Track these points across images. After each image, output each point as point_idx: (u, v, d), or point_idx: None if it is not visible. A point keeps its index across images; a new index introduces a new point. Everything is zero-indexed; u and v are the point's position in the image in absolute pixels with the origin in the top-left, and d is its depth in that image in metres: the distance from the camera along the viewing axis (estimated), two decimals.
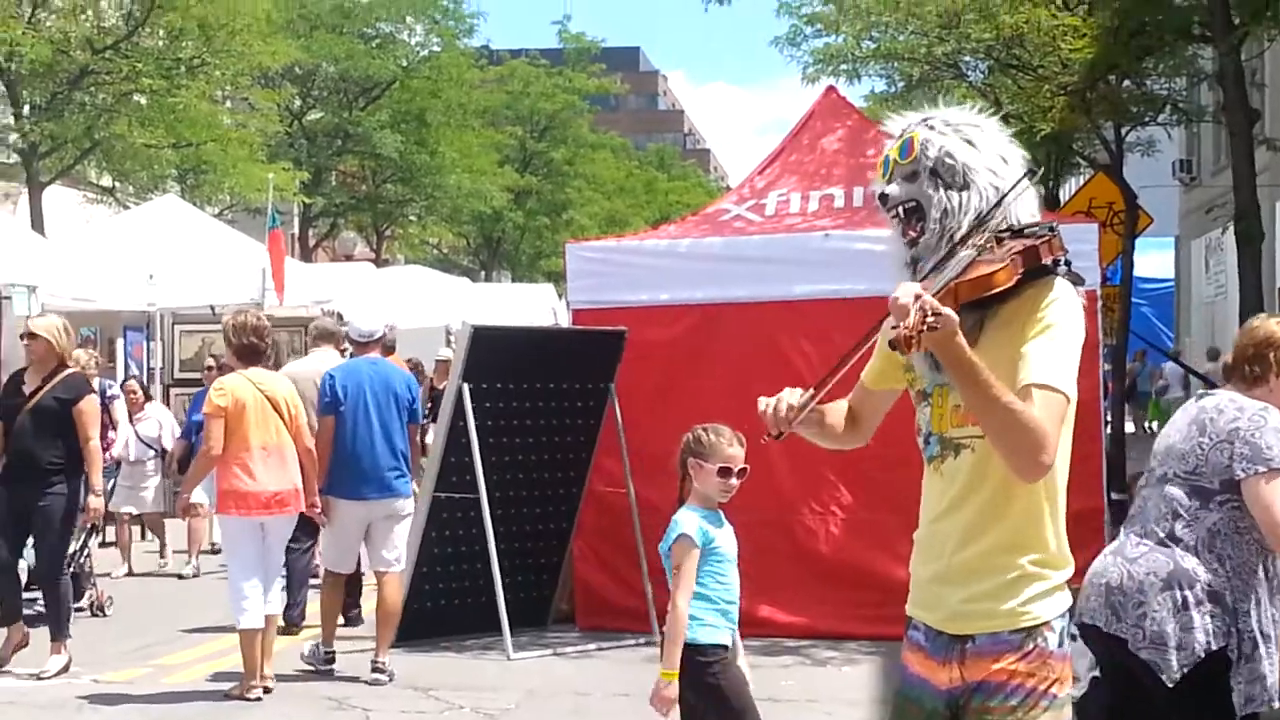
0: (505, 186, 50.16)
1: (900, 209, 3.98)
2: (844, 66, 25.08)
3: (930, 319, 3.46)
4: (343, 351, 12.20)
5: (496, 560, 11.06)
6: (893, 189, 3.99)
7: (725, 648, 6.37)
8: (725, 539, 6.51)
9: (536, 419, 11.79)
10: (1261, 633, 5.64)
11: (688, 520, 6.47)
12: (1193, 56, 21.86)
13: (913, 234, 3.95)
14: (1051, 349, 3.75)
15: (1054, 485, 3.88)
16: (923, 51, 24.77)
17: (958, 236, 3.82)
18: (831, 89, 15.01)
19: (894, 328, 3.51)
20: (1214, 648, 5.55)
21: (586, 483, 12.04)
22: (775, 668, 10.60)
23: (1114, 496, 12.96)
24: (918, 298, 3.52)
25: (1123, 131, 22.94)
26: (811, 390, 3.95)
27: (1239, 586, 5.61)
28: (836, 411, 4.25)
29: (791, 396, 3.94)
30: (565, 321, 13.14)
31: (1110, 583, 5.75)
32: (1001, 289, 3.73)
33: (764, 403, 3.99)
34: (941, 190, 3.91)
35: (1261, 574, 5.66)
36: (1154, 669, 5.60)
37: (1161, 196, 32.38)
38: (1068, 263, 3.89)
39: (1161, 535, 5.72)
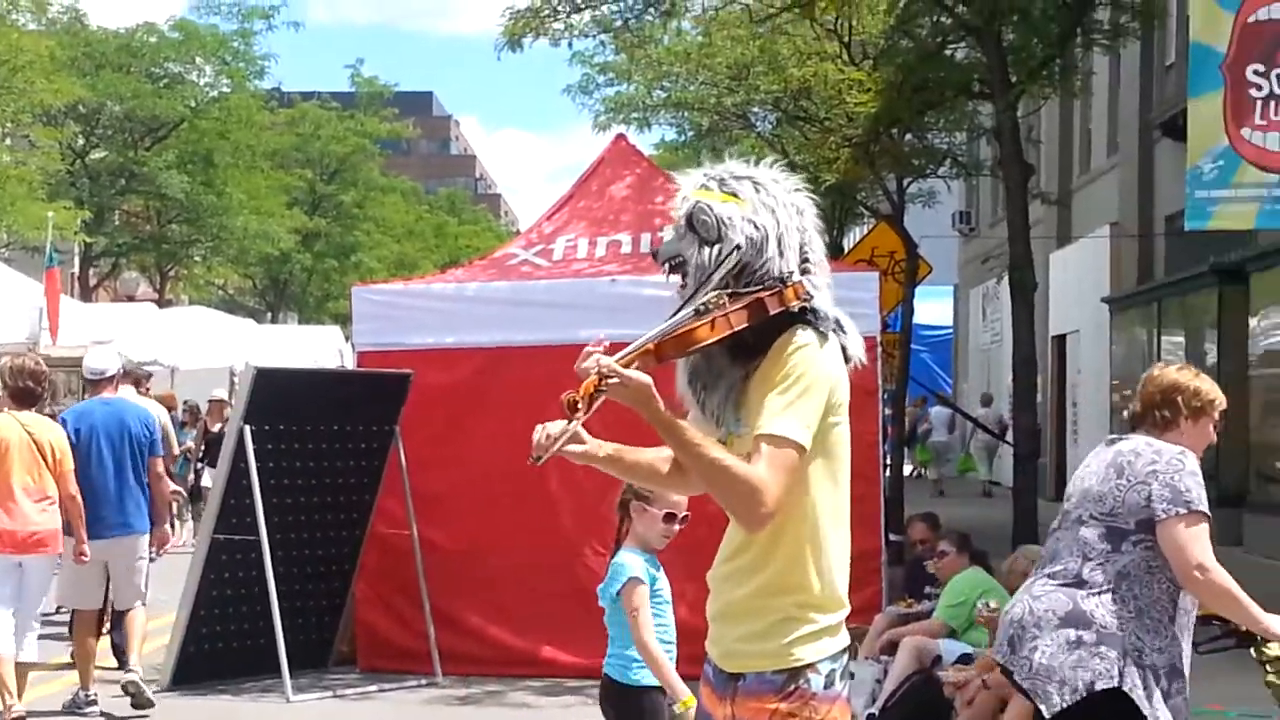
0: (293, 228, 49.67)
1: (668, 263, 4.05)
2: (635, 115, 25.37)
3: (607, 382, 3.57)
4: (144, 390, 12.06)
5: (276, 602, 10.95)
6: (665, 245, 4.09)
7: (663, 690, 6.30)
8: (663, 583, 6.47)
9: (319, 460, 11.71)
10: (1173, 668, 5.84)
11: (633, 562, 6.41)
12: (972, 112, 22.45)
13: (681, 288, 4.03)
14: (785, 398, 3.85)
15: (816, 530, 3.98)
16: (712, 102, 25.15)
17: (703, 297, 3.91)
18: (621, 137, 15.15)
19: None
20: (1099, 688, 5.73)
21: (369, 524, 11.99)
22: (557, 708, 10.67)
23: (892, 537, 13.21)
24: (597, 363, 3.67)
25: (904, 183, 23.50)
26: (569, 420, 4.02)
27: (1148, 625, 5.80)
28: (652, 454, 4.25)
29: (552, 427, 4.00)
30: (351, 364, 13.07)
31: (1013, 617, 5.99)
32: (705, 344, 3.83)
33: (537, 429, 4.06)
34: (698, 245, 3.99)
35: (1173, 613, 5.86)
36: (1034, 698, 5.81)
37: (941, 246, 33.14)
38: (814, 310, 3.99)
39: (1069, 576, 5.91)
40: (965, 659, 9.08)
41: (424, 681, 11.47)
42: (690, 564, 11.63)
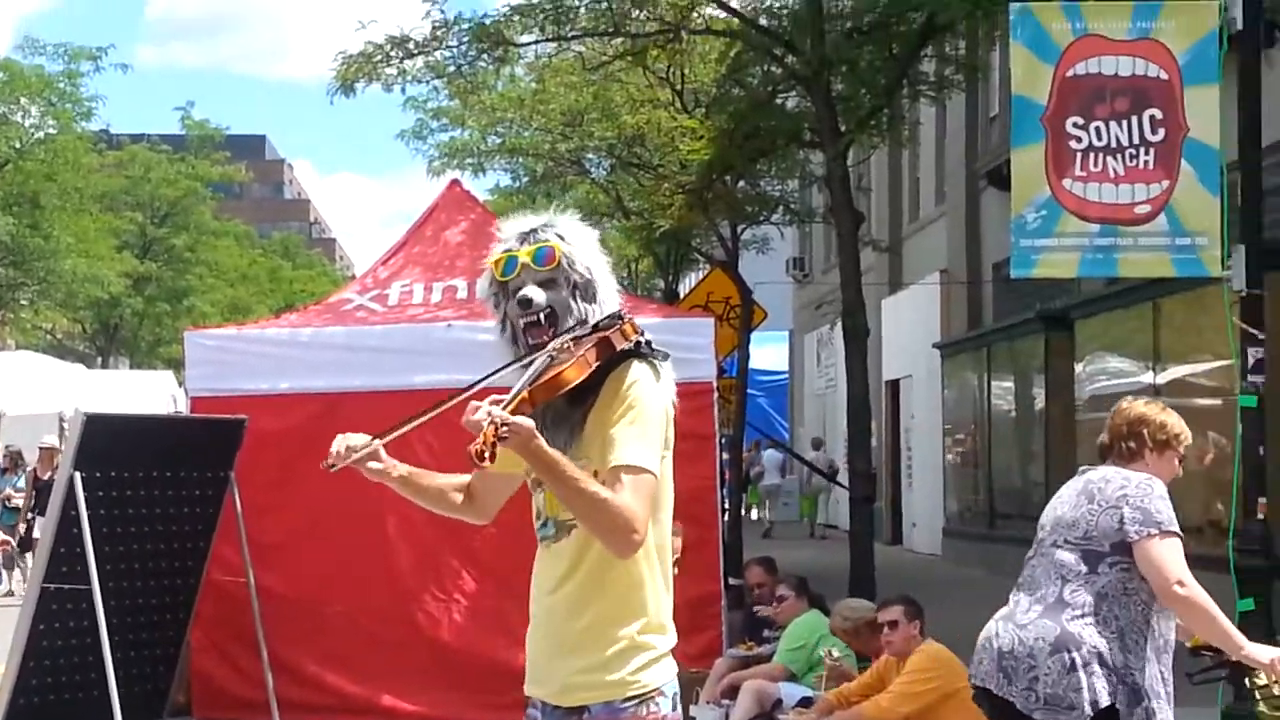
0: (124, 272, 48.93)
1: (540, 314, 4.11)
2: (469, 160, 25.40)
3: (502, 430, 3.67)
4: None
5: (109, 652, 10.77)
6: (537, 294, 4.12)
7: None
8: None
9: (152, 507, 11.55)
10: (1150, 689, 6.01)
11: None
12: (804, 160, 22.79)
13: (545, 339, 4.09)
14: (633, 430, 3.97)
15: (650, 555, 4.08)
16: (547, 148, 25.28)
17: (554, 344, 4.02)
18: (455, 182, 15.19)
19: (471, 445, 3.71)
20: (1102, 704, 5.91)
21: (204, 571, 11.85)
22: None
23: (731, 581, 13.32)
24: (489, 414, 3.72)
25: (738, 229, 23.75)
26: (373, 438, 4.10)
27: (1129, 645, 6.00)
28: (446, 481, 4.36)
29: (355, 439, 4.08)
30: (185, 409, 12.94)
31: (1001, 647, 6.15)
32: (576, 383, 3.94)
33: (338, 437, 4.14)
34: (578, 301, 4.11)
35: (1149, 633, 6.06)
36: None
37: (776, 292, 33.51)
38: (648, 343, 4.12)
39: (1050, 600, 6.11)
40: (805, 702, 9.18)
41: None
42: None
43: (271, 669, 11.39)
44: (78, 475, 10.83)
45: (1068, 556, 6.15)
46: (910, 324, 30.24)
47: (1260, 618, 9.22)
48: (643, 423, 3.99)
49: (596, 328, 4.06)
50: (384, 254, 13.85)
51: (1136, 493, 6.11)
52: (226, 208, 69.79)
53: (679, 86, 21.31)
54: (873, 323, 19.63)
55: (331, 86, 16.64)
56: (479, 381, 4.10)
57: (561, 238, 4.18)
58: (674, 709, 4.09)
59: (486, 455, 3.67)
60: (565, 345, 4.00)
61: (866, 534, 15.49)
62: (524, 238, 4.21)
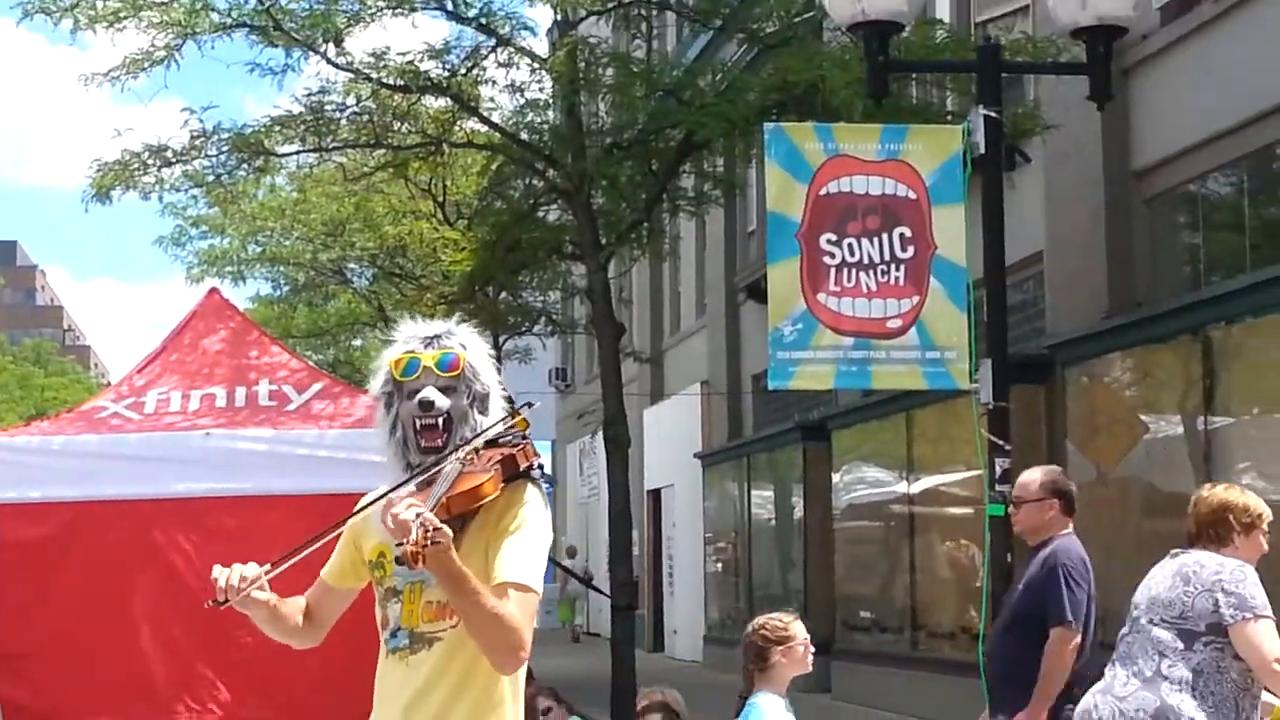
0: None
1: (439, 419, 4.11)
2: (229, 268, 25.16)
3: (431, 534, 3.63)
4: None
5: None
6: (439, 398, 4.10)
7: None
8: None
9: None
10: None
11: (775, 708, 6.60)
12: (566, 272, 23.02)
13: (438, 443, 4.09)
14: (522, 549, 3.99)
15: (518, 677, 4.11)
16: (308, 257, 25.20)
17: (461, 453, 4.01)
18: (215, 290, 14.98)
19: (399, 544, 3.65)
20: None
21: None
22: None
23: None
24: (418, 515, 3.68)
25: (500, 340, 23.84)
26: (267, 566, 4.02)
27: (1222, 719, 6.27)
28: (293, 605, 4.29)
29: (246, 569, 3.99)
30: None
31: (1101, 717, 6.41)
32: (490, 498, 3.95)
33: (218, 569, 4.02)
34: (475, 411, 4.13)
35: (1238, 710, 6.34)
36: None
37: (534, 400, 33.54)
38: (540, 467, 4.18)
39: (1149, 674, 6.40)
40: None
41: None
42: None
43: None
44: None
45: (1164, 634, 6.47)
46: (672, 434, 30.53)
47: None
48: (533, 544, 4.01)
49: (497, 443, 4.07)
50: (140, 361, 13.60)
51: (1231, 578, 6.43)
52: None
53: (441, 198, 21.45)
54: (635, 433, 19.82)
55: (87, 194, 16.36)
56: (387, 492, 4.04)
57: (464, 347, 4.20)
58: None
59: (420, 558, 3.62)
60: (470, 456, 3.99)
61: (628, 641, 15.56)
62: (428, 342, 4.21)
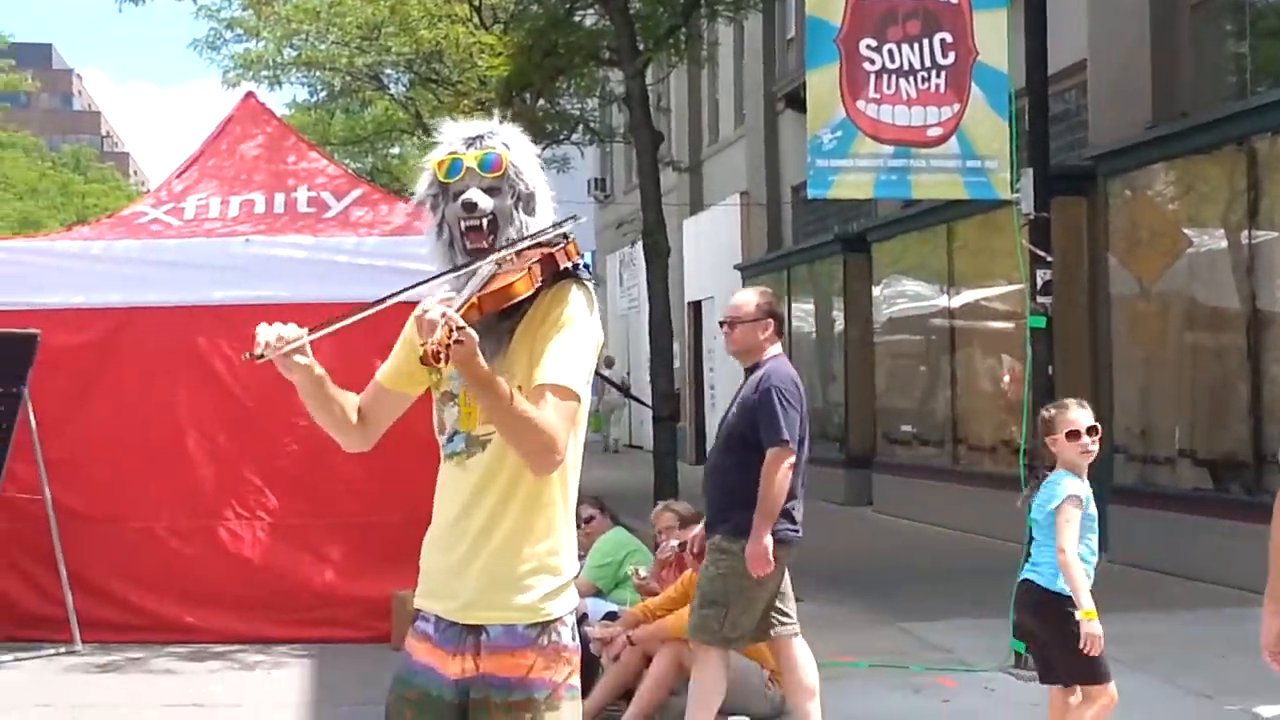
0: None
1: (483, 220, 4.06)
2: (265, 73, 24.97)
3: (456, 334, 3.61)
4: None
5: None
6: (482, 199, 4.03)
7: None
8: (1091, 504, 7.06)
9: None
10: None
11: (1073, 484, 6.98)
12: (603, 79, 22.82)
13: (484, 244, 4.01)
14: (564, 350, 3.91)
15: (566, 480, 4.05)
16: (344, 61, 24.96)
17: (498, 255, 3.95)
18: (251, 95, 14.93)
19: (423, 343, 3.60)
20: None
21: None
22: (203, 673, 10.54)
23: None
24: (444, 315, 3.63)
25: (539, 148, 23.68)
26: (307, 330, 3.98)
27: None
28: (345, 396, 4.24)
29: (287, 330, 3.96)
30: None
31: None
32: (523, 297, 3.88)
33: (261, 326, 3.98)
34: (520, 213, 4.04)
35: None
36: None
37: (577, 212, 33.46)
38: (587, 266, 4.11)
39: None
40: (611, 616, 9.29)
41: (62, 650, 11.17)
42: (342, 528, 11.67)
43: (71, 587, 11.23)
44: None
45: None
46: (711, 245, 30.49)
47: None
48: (576, 345, 3.94)
49: (540, 242, 4.02)
50: (179, 167, 13.62)
51: None
52: (13, 118, 67.89)
53: (477, 2, 21.19)
54: (674, 244, 19.79)
55: None
56: (414, 286, 4.01)
57: (508, 146, 4.11)
58: (573, 639, 4.05)
59: (442, 357, 3.56)
60: (509, 256, 3.94)
61: (670, 452, 15.67)
62: (470, 142, 4.12)
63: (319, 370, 4.07)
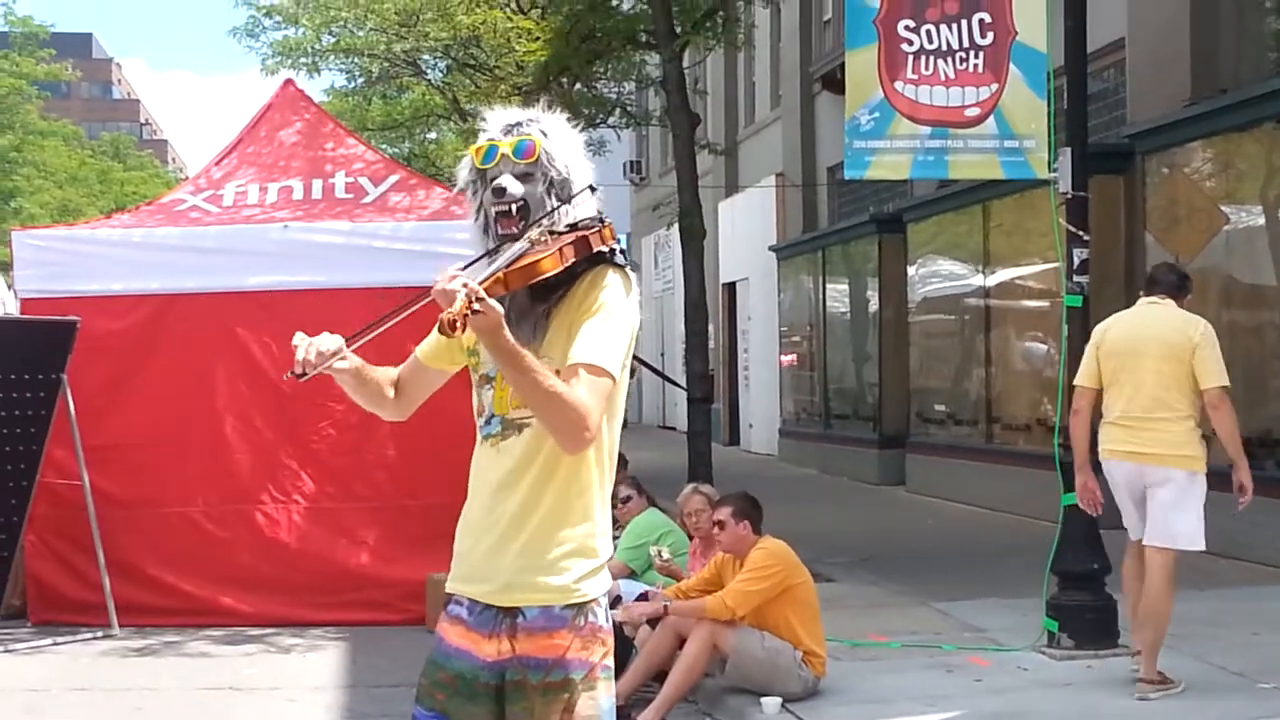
0: None
1: (512, 205, 4.08)
2: (304, 60, 25.06)
3: (475, 304, 3.62)
4: None
5: None
6: (512, 184, 4.06)
7: None
8: None
9: None
10: None
11: None
12: (640, 62, 22.80)
13: (515, 230, 4.03)
14: (599, 331, 3.93)
15: (603, 463, 4.08)
16: (382, 48, 25.03)
17: (531, 233, 3.96)
18: (290, 82, 15.00)
19: (441, 313, 3.62)
20: None
21: (38, 475, 11.71)
22: (238, 656, 10.61)
23: None
24: (464, 285, 3.65)
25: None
26: (344, 339, 4.00)
27: None
28: (383, 374, 4.28)
29: (323, 343, 3.98)
30: (16, 312, 12.71)
31: None
32: (550, 275, 3.88)
33: (298, 337, 4.01)
34: (553, 199, 4.06)
35: None
36: None
37: (613, 195, 33.57)
38: (623, 252, 4.11)
39: None
40: (644, 597, 9.30)
41: (100, 634, 11.28)
42: (377, 511, 11.72)
43: (108, 571, 11.33)
44: None
45: None
46: (746, 227, 30.47)
47: (1083, 511, 9.49)
48: (611, 327, 3.96)
49: (575, 226, 4.03)
50: (218, 154, 13.69)
51: None
52: (53, 107, 68.14)
53: None
54: (709, 226, 19.77)
55: None
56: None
57: (544, 134, 4.13)
58: (607, 620, 4.08)
59: (457, 325, 3.57)
60: (543, 236, 3.95)
61: (704, 434, 15.66)
62: (508, 130, 4.15)
63: (356, 365, 4.11)
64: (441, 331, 3.61)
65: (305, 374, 3.94)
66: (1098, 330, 9.03)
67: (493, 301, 3.67)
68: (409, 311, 3.99)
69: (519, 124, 4.16)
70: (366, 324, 4.03)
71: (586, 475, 4.04)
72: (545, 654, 3.98)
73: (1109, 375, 8.75)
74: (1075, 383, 9.11)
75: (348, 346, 4.00)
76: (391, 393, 4.28)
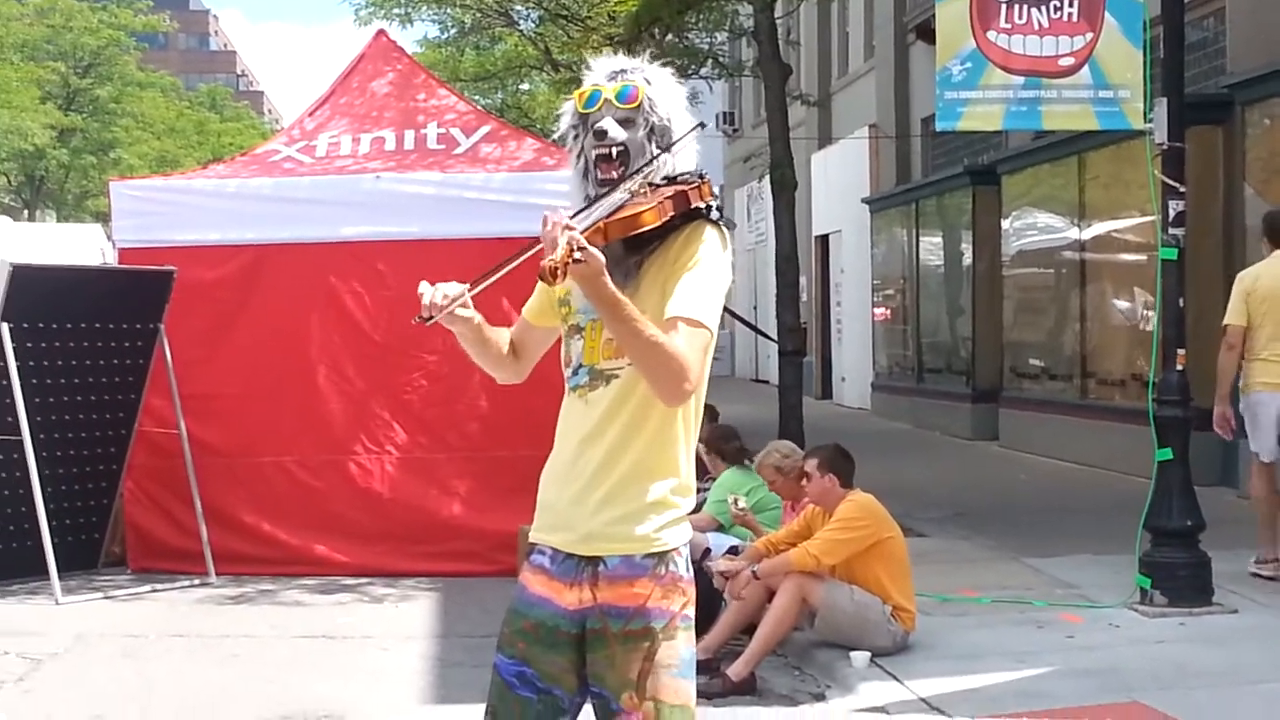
0: (48, 124, 48.27)
1: (613, 149, 4.07)
2: (396, 11, 25.15)
3: (577, 253, 3.60)
4: None
5: (42, 502, 10.81)
6: (614, 128, 4.05)
7: None
8: None
9: (83, 359, 11.56)
10: None
11: None
12: (732, 12, 22.68)
13: (615, 174, 4.03)
14: (696, 285, 3.92)
15: (690, 415, 4.07)
16: None
17: (630, 184, 3.96)
18: (382, 33, 15.04)
19: (543, 260, 3.61)
20: None
21: (136, 423, 11.88)
22: (332, 605, 10.71)
23: None
24: (567, 229, 3.64)
25: None
26: (467, 285, 4.02)
27: None
28: (502, 335, 4.29)
29: (449, 288, 4.00)
30: (114, 262, 12.85)
31: None
32: (650, 228, 3.88)
33: (424, 286, 4.03)
34: (653, 146, 4.05)
35: None
36: None
37: (706, 147, 33.17)
38: (719, 209, 4.09)
39: None
40: (734, 551, 9.30)
41: (197, 581, 11.44)
42: (469, 462, 11.78)
43: (205, 520, 11.48)
44: (5, 326, 10.82)
45: None
46: (839, 179, 30.31)
47: (1178, 467, 9.41)
48: (708, 282, 3.95)
49: (674, 180, 4.01)
50: (311, 105, 13.76)
51: None
52: (151, 59, 68.81)
53: None
54: (802, 178, 19.68)
55: None
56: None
57: (648, 81, 4.13)
58: (687, 570, 4.08)
59: (559, 273, 3.54)
60: (642, 188, 3.95)
61: (796, 388, 15.60)
62: (612, 75, 4.15)
63: (478, 319, 4.12)
64: (542, 278, 3.58)
65: (432, 317, 3.94)
66: (1247, 277, 10.37)
67: (594, 250, 3.66)
68: (523, 258, 3.95)
69: (623, 70, 4.15)
70: (482, 272, 4.02)
71: (672, 428, 4.03)
72: (626, 602, 3.99)
73: (1258, 318, 10.14)
74: (1227, 322, 10.33)
75: (470, 292, 4.02)
76: (507, 351, 4.30)
